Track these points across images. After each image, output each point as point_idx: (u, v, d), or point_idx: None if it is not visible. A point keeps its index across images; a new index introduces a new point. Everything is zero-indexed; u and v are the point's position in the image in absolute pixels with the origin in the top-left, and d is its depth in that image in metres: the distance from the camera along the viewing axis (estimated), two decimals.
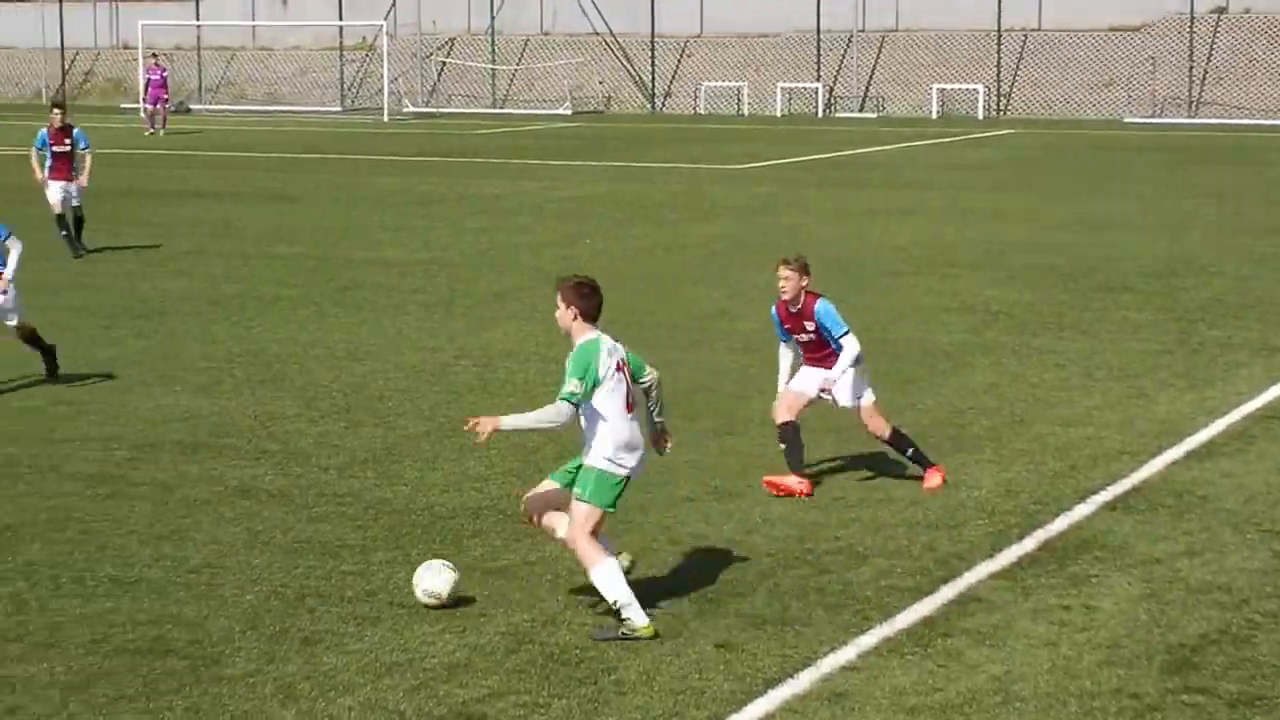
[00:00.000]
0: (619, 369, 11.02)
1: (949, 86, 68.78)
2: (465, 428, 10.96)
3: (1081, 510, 13.80)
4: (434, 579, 11.52)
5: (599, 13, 76.02)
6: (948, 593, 11.86)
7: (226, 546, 13.06)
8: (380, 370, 19.71)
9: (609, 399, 10.93)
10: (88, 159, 29.72)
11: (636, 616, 10.77)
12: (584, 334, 11.05)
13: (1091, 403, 17.60)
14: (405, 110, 74.04)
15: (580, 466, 11.11)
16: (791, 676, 10.36)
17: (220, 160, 50.39)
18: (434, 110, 75.32)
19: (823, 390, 14.40)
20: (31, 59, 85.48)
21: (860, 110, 70.66)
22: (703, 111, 72.87)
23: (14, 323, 18.41)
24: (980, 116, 67.20)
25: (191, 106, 77.86)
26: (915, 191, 39.63)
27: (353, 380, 19.11)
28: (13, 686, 10.31)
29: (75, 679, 10.42)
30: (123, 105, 77.70)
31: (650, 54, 75.05)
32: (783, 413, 14.47)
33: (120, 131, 60.99)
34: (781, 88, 71.38)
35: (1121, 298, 24.15)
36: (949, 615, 11.42)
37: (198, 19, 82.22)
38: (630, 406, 11.06)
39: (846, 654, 10.72)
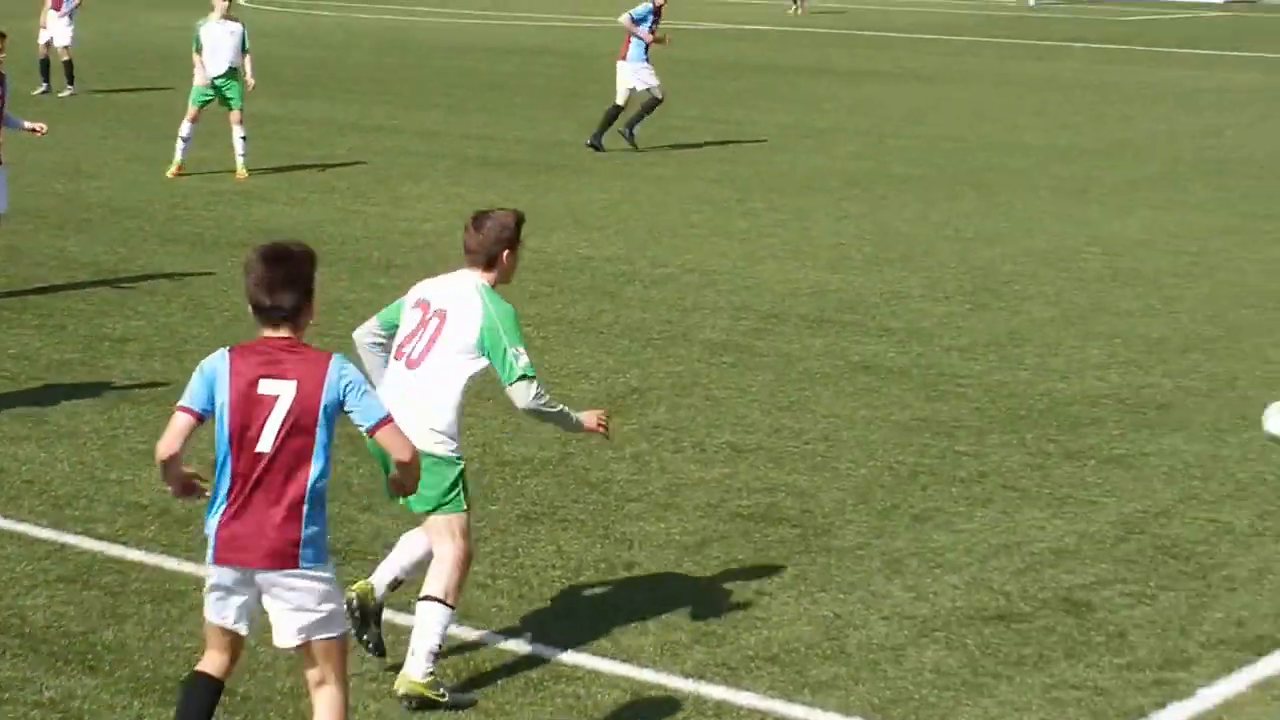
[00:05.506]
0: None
1: None
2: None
3: None
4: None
5: None
6: None
7: (844, 420, 13.50)
8: (1008, 254, 19.91)
9: None
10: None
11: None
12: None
13: None
14: None
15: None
16: None
17: (860, 40, 49.64)
18: None
19: None
20: None
21: None
22: None
23: None
24: None
25: None
26: None
27: (979, 263, 19.38)
28: (630, 543, 10.86)
29: (690, 540, 10.92)
30: None
31: None
32: None
33: (762, 9, 57.83)
34: None
35: None
36: None
37: None
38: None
39: None
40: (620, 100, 27.27)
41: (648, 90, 27.22)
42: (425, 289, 8.99)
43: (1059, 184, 25.13)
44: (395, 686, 8.66)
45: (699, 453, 12.70)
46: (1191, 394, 14.42)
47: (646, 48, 27.22)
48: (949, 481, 12.21)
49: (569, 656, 9.26)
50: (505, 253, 8.88)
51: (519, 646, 9.38)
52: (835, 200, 23.32)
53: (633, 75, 27.23)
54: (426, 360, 8.76)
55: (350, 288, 17.46)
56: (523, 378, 8.69)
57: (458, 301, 8.81)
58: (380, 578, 9.10)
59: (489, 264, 8.89)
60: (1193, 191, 24.63)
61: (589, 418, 9.06)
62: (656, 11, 27.34)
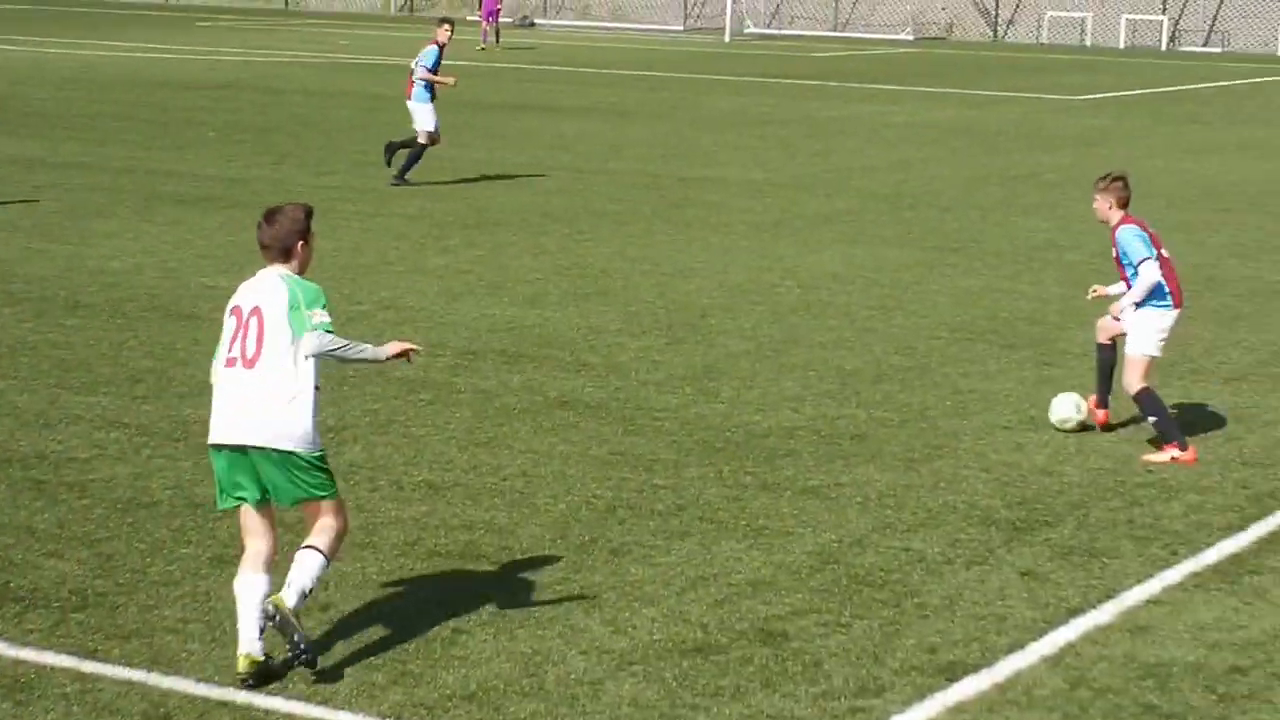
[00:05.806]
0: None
1: None
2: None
3: None
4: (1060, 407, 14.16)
5: None
6: (1259, 530, 12.27)
7: (542, 456, 13.42)
8: (704, 288, 20.02)
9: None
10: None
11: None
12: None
13: None
14: (747, 31, 72.70)
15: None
16: (1094, 607, 10.72)
17: (556, 75, 50.01)
18: (775, 32, 74.15)
19: (1114, 316, 14.17)
20: None
21: (1205, 45, 70.98)
22: (1045, 41, 72.43)
23: None
24: None
25: (536, 21, 75.67)
26: (1256, 128, 40.13)
27: (676, 297, 19.48)
28: (326, 584, 10.40)
29: (387, 579, 10.77)
30: (469, 18, 71.54)
31: None
32: (1099, 334, 14.51)
33: (459, 46, 55.08)
34: (1126, 19, 71.34)
35: None
36: (1259, 553, 11.82)
37: None
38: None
39: (1151, 587, 11.10)
40: (423, 139, 27.80)
41: (425, 130, 27.66)
42: (233, 300, 9.44)
43: (754, 218, 25.40)
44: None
45: (396, 491, 12.55)
46: (884, 424, 14.64)
47: (432, 89, 27.68)
48: (647, 515, 12.20)
49: (263, 700, 9.07)
50: (299, 243, 9.44)
51: (211, 691, 9.16)
52: (533, 236, 23.31)
53: (417, 114, 27.75)
54: (262, 356, 9.17)
55: (35, 329, 16.99)
56: (314, 329, 9.16)
57: (267, 293, 9.29)
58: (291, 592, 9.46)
59: (286, 255, 9.44)
60: (885, 225, 25.10)
61: (392, 347, 9.59)
62: (440, 51, 27.90)
